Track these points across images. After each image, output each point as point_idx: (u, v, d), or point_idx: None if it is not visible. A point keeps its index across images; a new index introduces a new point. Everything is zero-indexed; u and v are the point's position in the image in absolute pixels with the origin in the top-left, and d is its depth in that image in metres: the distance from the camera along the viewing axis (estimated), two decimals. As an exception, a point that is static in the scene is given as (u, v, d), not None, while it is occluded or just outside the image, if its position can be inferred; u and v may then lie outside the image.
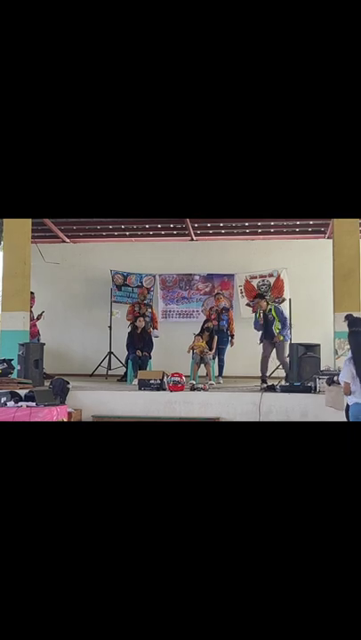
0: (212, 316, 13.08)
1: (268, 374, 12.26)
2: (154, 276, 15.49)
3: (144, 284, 15.30)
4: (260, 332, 12.19)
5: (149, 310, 13.67)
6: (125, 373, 13.10)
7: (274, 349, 12.13)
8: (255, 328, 12.35)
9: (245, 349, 13.00)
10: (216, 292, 14.40)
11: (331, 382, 9.05)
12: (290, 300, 13.78)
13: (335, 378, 8.68)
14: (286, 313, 12.87)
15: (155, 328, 13.70)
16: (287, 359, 11.60)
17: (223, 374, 12.78)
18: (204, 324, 12.73)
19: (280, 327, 11.95)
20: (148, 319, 13.23)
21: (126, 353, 13.01)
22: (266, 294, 13.84)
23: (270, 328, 12.01)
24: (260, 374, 12.10)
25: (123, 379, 13.20)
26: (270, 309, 12.13)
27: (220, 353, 12.82)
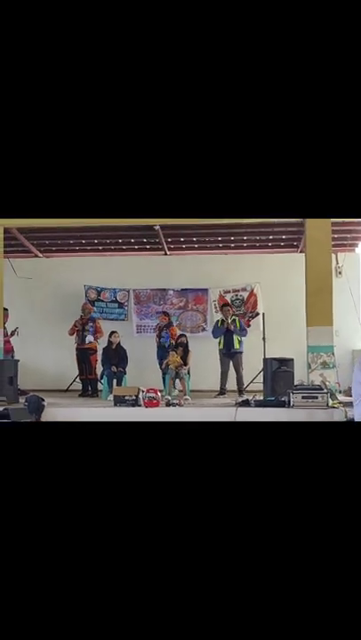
0: (156, 332, 13.79)
1: (243, 387, 12.73)
2: (128, 291, 15.52)
3: (118, 299, 15.36)
4: (220, 345, 12.82)
5: (91, 324, 13.78)
6: (85, 388, 13.45)
7: (231, 363, 12.80)
8: (214, 335, 13.03)
9: (216, 364, 13.12)
10: (160, 310, 14.68)
11: None
12: (263, 314, 13.83)
13: None
14: (259, 327, 13.12)
15: (96, 339, 13.76)
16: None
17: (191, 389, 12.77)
18: (177, 339, 12.80)
19: (240, 339, 12.78)
20: (89, 332, 13.59)
21: (101, 368, 13.09)
22: (238, 308, 13.99)
23: (232, 338, 12.68)
24: (220, 387, 12.76)
25: (85, 393, 13.40)
26: (234, 319, 12.84)
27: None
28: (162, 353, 13.31)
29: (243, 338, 12.87)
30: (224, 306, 13.52)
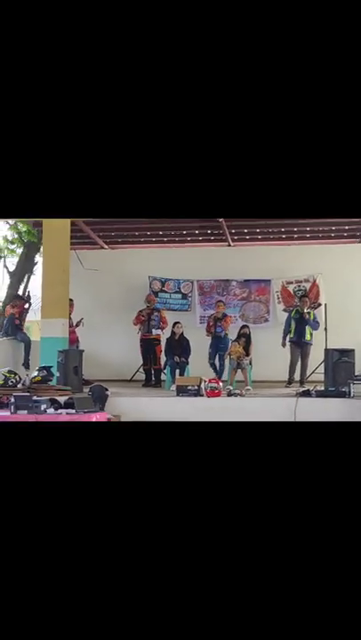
0: (210, 323, 13.55)
1: (305, 378, 12.83)
2: (192, 282, 15.66)
3: (182, 290, 15.51)
4: (288, 333, 12.90)
5: (156, 314, 13.84)
6: (148, 378, 13.57)
7: (300, 353, 12.91)
8: (286, 324, 13.13)
9: (277, 354, 13.18)
10: (218, 299, 14.65)
11: None
12: (325, 305, 13.83)
13: None
14: (322, 318, 13.15)
15: (162, 329, 13.84)
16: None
17: (253, 379, 12.82)
18: (240, 330, 12.88)
19: (311, 332, 12.82)
20: (155, 322, 13.67)
21: (165, 358, 13.26)
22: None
23: (304, 329, 12.73)
24: (288, 377, 12.90)
25: (148, 383, 13.50)
26: (309, 312, 12.87)
27: (219, 358, 13.23)
28: (217, 343, 13.32)
29: (314, 331, 12.90)
30: (303, 297, 13.60)
